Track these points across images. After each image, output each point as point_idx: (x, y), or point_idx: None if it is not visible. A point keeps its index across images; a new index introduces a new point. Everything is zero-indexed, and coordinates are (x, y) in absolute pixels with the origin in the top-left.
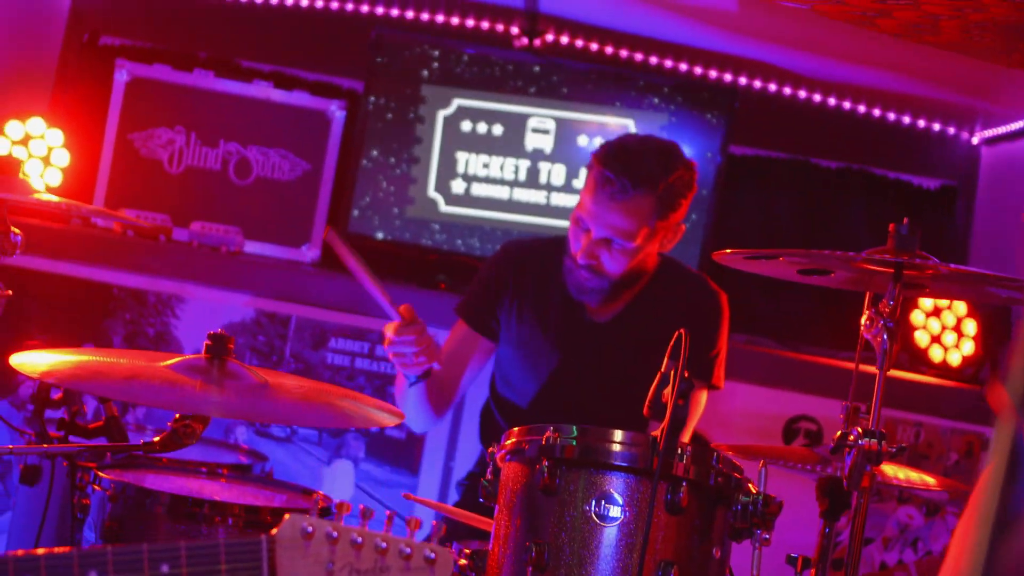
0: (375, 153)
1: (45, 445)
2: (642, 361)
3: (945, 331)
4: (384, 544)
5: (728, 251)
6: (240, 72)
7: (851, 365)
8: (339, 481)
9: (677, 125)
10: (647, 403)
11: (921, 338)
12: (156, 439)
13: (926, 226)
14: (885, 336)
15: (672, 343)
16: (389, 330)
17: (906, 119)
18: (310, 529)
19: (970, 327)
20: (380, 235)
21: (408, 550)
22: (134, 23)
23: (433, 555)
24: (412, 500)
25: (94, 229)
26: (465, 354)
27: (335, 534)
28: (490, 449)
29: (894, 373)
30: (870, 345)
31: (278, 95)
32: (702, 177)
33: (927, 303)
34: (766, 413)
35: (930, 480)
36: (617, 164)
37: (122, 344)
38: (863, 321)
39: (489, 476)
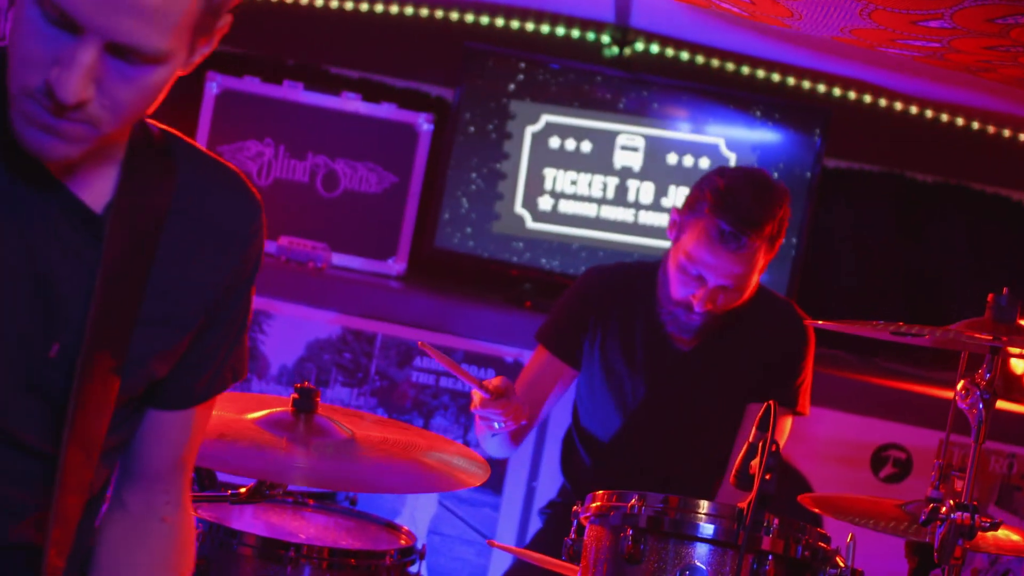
0: (462, 168)
1: None
2: (728, 390)
3: None
4: None
5: (820, 322)
6: (328, 82)
7: (939, 391)
8: (423, 499)
9: (771, 143)
10: (734, 472)
11: (1017, 365)
12: (242, 490)
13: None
14: (981, 407)
15: (761, 414)
16: (476, 397)
17: (1006, 132)
18: None
19: None
20: (465, 250)
21: None
22: None
23: None
24: (495, 547)
25: None
26: (547, 382)
27: None
28: (575, 508)
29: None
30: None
31: (366, 108)
32: (796, 193)
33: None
34: (854, 441)
35: (1018, 539)
36: (731, 216)
37: None
38: (958, 388)
39: (573, 535)
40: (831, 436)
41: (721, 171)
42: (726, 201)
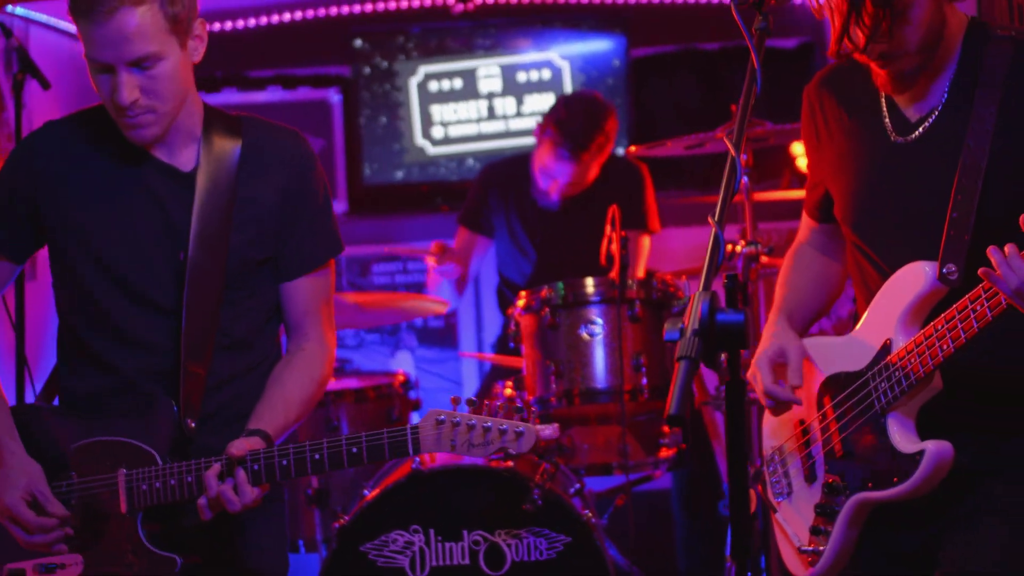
0: (370, 121)
1: None
2: (595, 227)
3: None
4: (489, 424)
5: (633, 148)
6: (253, 82)
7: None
8: (403, 366)
9: (587, 45)
10: (602, 257)
11: (802, 164)
12: None
13: (788, 83)
14: (746, 179)
15: (608, 218)
16: (431, 262)
17: None
18: (442, 418)
19: None
20: (387, 181)
21: (505, 427)
22: None
23: (522, 430)
24: (465, 356)
25: None
26: (470, 250)
27: (458, 420)
28: (509, 311)
29: (784, 195)
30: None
31: (288, 94)
32: (615, 80)
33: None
34: (700, 245)
35: None
36: (569, 143)
37: None
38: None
39: (512, 328)
40: (688, 247)
41: (565, 102)
42: (564, 131)
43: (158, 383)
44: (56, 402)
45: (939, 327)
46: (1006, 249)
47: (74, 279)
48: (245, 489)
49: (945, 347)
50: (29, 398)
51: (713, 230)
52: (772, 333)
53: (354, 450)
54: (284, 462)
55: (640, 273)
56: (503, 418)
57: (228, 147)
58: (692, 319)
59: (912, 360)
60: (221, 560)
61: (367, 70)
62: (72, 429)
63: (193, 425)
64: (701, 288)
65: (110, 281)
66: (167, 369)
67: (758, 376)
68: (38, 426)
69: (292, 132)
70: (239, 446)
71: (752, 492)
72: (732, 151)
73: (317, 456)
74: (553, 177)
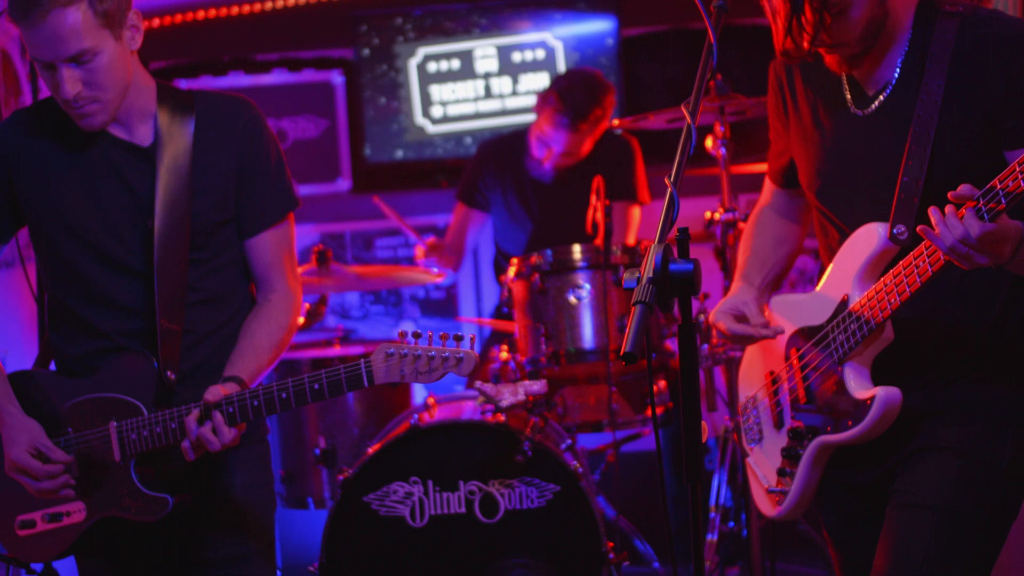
0: (372, 102)
1: None
2: (584, 205)
3: None
4: (433, 354)
5: (616, 121)
6: (260, 65)
7: (741, 167)
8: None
9: (581, 26)
10: (588, 225)
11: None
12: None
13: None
14: (724, 151)
15: (594, 188)
16: (419, 252)
17: None
18: (391, 351)
19: None
20: (390, 159)
21: (447, 355)
22: (167, 44)
23: (461, 356)
24: (462, 320)
25: None
26: (466, 224)
27: (405, 352)
28: (502, 278)
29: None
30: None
31: (293, 76)
32: (608, 59)
33: None
34: (690, 216)
35: None
36: (569, 113)
37: None
38: (709, 142)
39: (505, 295)
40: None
41: (568, 74)
42: (565, 101)
43: (139, 341)
44: (52, 366)
45: (888, 282)
46: (945, 209)
47: (55, 252)
48: (223, 430)
49: (893, 300)
50: (50, 366)
51: (669, 190)
52: (730, 294)
53: (316, 386)
54: (255, 403)
55: (630, 241)
56: (445, 347)
57: (183, 120)
58: (647, 268)
59: (866, 312)
60: (209, 498)
61: (368, 52)
62: (66, 389)
63: (173, 377)
64: (656, 241)
65: (86, 251)
66: (145, 328)
67: (720, 325)
68: (36, 389)
69: (241, 100)
70: (214, 392)
71: (704, 423)
72: (688, 118)
73: (284, 395)
74: (548, 145)
